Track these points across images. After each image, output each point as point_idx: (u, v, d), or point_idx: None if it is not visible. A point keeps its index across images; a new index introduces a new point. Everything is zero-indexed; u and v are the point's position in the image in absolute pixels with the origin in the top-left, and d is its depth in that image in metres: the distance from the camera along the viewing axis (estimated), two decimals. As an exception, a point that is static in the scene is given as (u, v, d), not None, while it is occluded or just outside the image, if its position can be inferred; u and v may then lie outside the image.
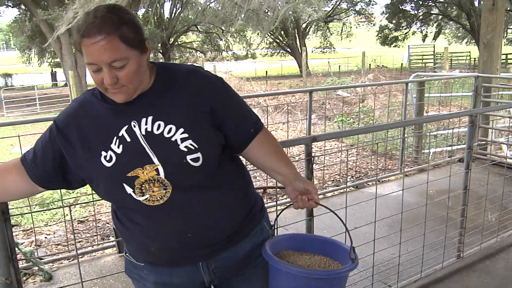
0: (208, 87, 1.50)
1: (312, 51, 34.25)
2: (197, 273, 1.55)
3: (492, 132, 6.60)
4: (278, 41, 32.48)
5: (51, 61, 29.30)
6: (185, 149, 1.41)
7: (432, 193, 4.86)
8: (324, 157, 6.57)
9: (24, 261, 3.68)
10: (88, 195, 5.50)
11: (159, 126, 1.42)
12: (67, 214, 4.51)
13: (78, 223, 5.05)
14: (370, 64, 25.31)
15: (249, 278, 1.65)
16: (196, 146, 1.42)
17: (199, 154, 1.42)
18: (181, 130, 1.42)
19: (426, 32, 34.33)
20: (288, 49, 32.39)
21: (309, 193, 1.55)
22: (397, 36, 34.59)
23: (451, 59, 28.05)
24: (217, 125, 1.49)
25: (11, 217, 1.49)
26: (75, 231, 4.76)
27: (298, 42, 31.25)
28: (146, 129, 1.42)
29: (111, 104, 1.44)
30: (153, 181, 1.41)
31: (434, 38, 33.42)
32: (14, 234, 4.69)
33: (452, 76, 9.01)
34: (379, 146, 7.08)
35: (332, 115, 9.35)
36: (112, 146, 1.41)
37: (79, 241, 4.50)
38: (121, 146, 1.41)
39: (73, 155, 1.45)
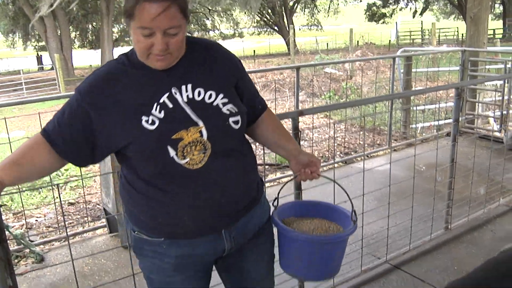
0: (231, 62, 1.61)
1: (300, 29, 34.06)
2: (219, 241, 1.59)
3: (479, 106, 6.65)
4: (265, 19, 32.26)
5: (36, 45, 28.97)
6: (227, 112, 1.49)
7: (420, 168, 4.90)
8: (313, 133, 6.59)
9: (16, 244, 3.68)
10: (78, 176, 5.50)
11: (199, 92, 1.48)
12: (57, 197, 4.50)
13: (69, 205, 5.04)
14: (358, 41, 25.22)
15: (257, 245, 1.72)
16: (237, 110, 1.52)
17: (239, 117, 1.52)
18: (221, 95, 1.50)
19: (415, 8, 34.31)
20: (276, 28, 32.18)
21: (314, 165, 1.67)
22: (385, 12, 34.54)
23: (438, 35, 28.04)
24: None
25: (-1, 198, 1.48)
26: (65, 213, 4.76)
27: (285, 20, 31.04)
28: (187, 96, 1.47)
29: (145, 71, 1.46)
30: (195, 143, 1.45)
31: (421, 14, 33.39)
32: (4, 217, 4.69)
33: (439, 50, 9.02)
34: (367, 121, 7.10)
35: (320, 92, 9.34)
36: (153, 111, 1.43)
37: (70, 223, 4.50)
38: (162, 112, 1.43)
39: (105, 123, 1.44)
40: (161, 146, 1.43)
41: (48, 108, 11.11)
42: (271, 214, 1.73)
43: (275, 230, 1.75)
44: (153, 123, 1.42)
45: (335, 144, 6.36)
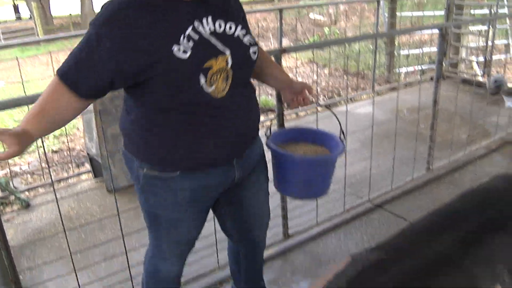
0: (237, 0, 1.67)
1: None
2: (231, 171, 1.66)
3: (462, 51, 6.64)
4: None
5: (12, -7, 28.07)
6: (248, 43, 1.56)
7: (403, 114, 4.94)
8: (297, 77, 6.56)
9: (0, 191, 3.68)
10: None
11: (220, 25, 1.51)
12: (40, 146, 4.47)
13: (53, 153, 5.02)
14: (343, -13, 24.78)
15: (254, 178, 1.82)
16: (254, 41, 1.59)
17: (256, 48, 1.60)
18: (240, 26, 1.56)
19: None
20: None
21: (307, 88, 1.83)
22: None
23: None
24: None
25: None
26: (49, 160, 4.75)
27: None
28: (209, 28, 1.48)
29: (166, 2, 1.43)
30: (221, 71, 1.48)
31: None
32: (-13, 165, 4.66)
33: (424, -7, 8.91)
34: (351, 66, 7.06)
35: (304, 38, 9.19)
36: (181, 41, 1.41)
37: (54, 170, 4.50)
38: (190, 41, 1.43)
39: (127, 53, 1.39)
40: (194, 74, 1.44)
41: (27, 57, 10.90)
42: (265, 143, 1.81)
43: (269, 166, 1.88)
44: (185, 52, 1.41)
45: (319, 88, 6.35)
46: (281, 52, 2.39)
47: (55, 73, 1.43)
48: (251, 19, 11.08)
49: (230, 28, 1.52)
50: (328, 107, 1.92)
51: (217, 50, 1.47)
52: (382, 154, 3.62)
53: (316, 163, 1.82)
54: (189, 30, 1.43)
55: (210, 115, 1.51)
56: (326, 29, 10.00)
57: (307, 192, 1.88)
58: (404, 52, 6.79)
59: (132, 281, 2.39)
